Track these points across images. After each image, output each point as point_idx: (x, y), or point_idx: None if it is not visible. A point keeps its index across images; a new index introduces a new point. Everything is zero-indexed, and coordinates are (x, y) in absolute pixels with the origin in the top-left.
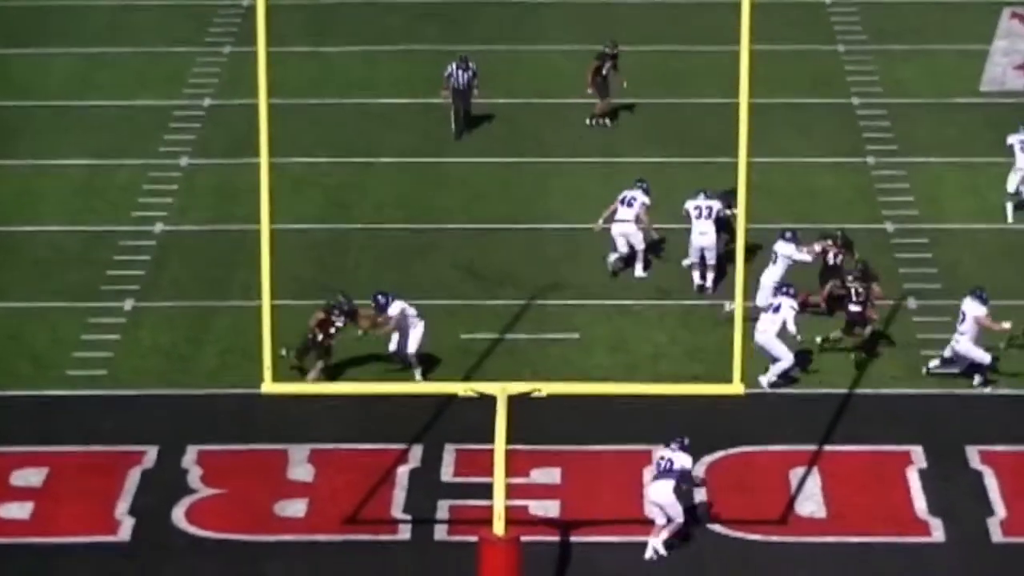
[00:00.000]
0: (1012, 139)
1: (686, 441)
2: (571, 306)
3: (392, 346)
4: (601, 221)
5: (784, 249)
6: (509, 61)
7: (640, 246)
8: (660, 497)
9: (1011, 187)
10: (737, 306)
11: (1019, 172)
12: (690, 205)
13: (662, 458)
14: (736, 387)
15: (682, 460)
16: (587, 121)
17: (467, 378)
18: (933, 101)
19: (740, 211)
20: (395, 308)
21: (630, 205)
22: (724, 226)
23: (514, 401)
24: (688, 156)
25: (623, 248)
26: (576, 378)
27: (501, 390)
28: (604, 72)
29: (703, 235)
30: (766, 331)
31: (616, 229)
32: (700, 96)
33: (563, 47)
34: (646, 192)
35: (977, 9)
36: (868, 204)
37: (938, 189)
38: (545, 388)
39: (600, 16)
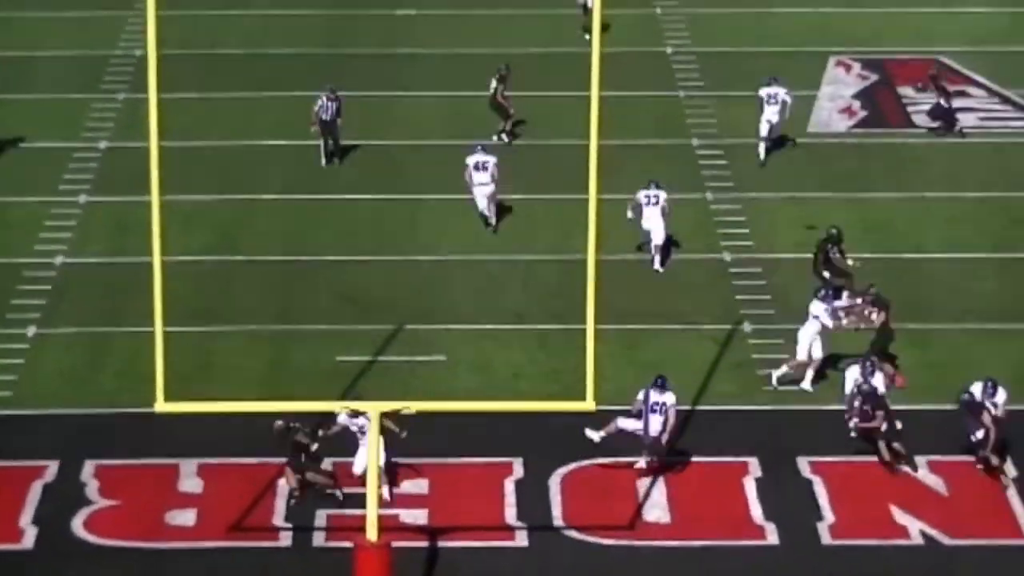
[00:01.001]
0: (762, 92)
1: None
2: (438, 330)
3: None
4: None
5: (815, 308)
6: (380, 106)
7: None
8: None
9: (763, 132)
10: (589, 326)
11: (767, 122)
12: (641, 195)
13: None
14: (588, 404)
15: (668, 397)
16: (496, 138)
17: (343, 397)
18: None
19: (591, 243)
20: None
21: (656, 203)
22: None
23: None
24: (548, 193)
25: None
26: (443, 397)
27: (374, 408)
28: (498, 93)
29: (650, 219)
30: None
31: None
32: (558, 138)
33: (429, 93)
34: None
35: (806, 57)
36: (708, 236)
37: (771, 222)
38: (414, 406)
39: (463, 67)
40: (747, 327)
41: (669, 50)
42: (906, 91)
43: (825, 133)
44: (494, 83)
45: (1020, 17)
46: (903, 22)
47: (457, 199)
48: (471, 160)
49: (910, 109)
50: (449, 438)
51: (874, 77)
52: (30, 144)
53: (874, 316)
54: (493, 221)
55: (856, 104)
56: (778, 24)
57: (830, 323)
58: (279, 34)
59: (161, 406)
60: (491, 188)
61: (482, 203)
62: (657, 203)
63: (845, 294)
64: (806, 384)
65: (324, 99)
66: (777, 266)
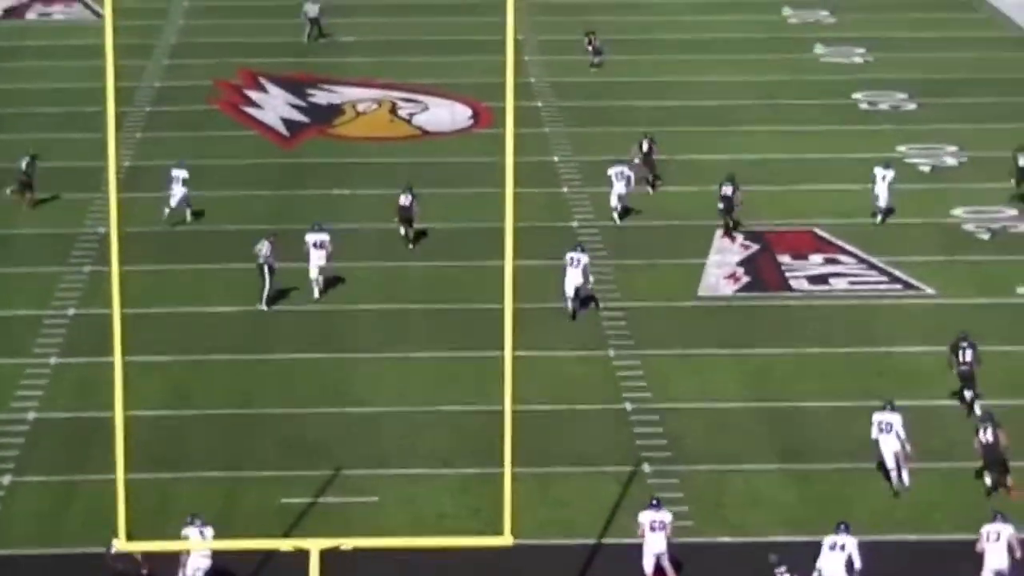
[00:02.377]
0: (610, 171)
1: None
2: (371, 475)
3: None
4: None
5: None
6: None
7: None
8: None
9: (613, 203)
10: (506, 469)
11: (616, 195)
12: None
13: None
14: (506, 539)
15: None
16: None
17: (286, 535)
18: (661, 304)
19: (507, 395)
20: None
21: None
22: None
23: (325, 553)
24: (470, 351)
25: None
26: (375, 534)
27: (314, 545)
28: None
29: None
30: None
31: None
32: (480, 303)
33: (362, 264)
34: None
35: (695, 230)
36: (610, 388)
37: (666, 375)
38: (350, 543)
39: (394, 238)
40: (646, 467)
41: (575, 223)
42: (784, 258)
43: (713, 296)
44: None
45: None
46: (782, 199)
47: (389, 357)
48: (310, 238)
49: (788, 275)
50: (383, 571)
51: (756, 247)
52: (4, 312)
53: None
54: (318, 291)
55: (740, 271)
56: (671, 201)
57: None
58: (227, 211)
59: (123, 545)
60: (324, 263)
61: (314, 272)
62: (578, 265)
63: None
64: None
65: (266, 242)
66: (672, 414)
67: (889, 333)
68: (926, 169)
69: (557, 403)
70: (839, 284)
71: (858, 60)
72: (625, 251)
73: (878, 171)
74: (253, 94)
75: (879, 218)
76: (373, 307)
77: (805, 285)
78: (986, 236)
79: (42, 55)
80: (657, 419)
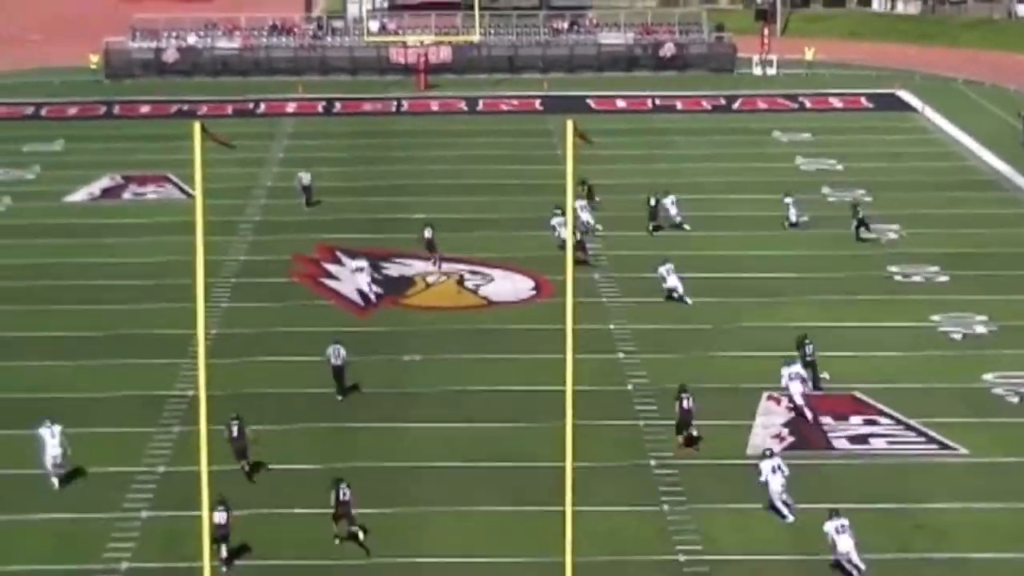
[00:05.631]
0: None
1: None
2: None
3: None
4: None
5: None
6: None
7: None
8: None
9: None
10: None
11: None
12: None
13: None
14: None
15: None
16: None
17: None
18: (712, 462)
19: (567, 556)
20: None
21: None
22: None
23: None
24: (529, 505)
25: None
26: None
27: None
28: None
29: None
30: None
31: None
32: (536, 460)
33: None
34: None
35: (744, 393)
36: (665, 541)
37: (716, 529)
38: None
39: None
40: None
41: (630, 387)
42: (826, 420)
43: (759, 456)
44: None
45: (919, 359)
46: (825, 365)
47: (452, 510)
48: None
49: (830, 435)
50: None
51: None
52: (99, 468)
53: None
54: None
55: (785, 431)
56: (721, 366)
57: None
58: (305, 376)
59: None
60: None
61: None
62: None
63: None
64: None
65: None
66: (722, 565)
67: (925, 489)
68: (957, 337)
69: (613, 555)
70: (878, 444)
71: (892, 235)
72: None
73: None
74: (331, 267)
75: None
76: (436, 464)
77: (846, 444)
78: (1015, 400)
79: (136, 232)
80: (707, 571)
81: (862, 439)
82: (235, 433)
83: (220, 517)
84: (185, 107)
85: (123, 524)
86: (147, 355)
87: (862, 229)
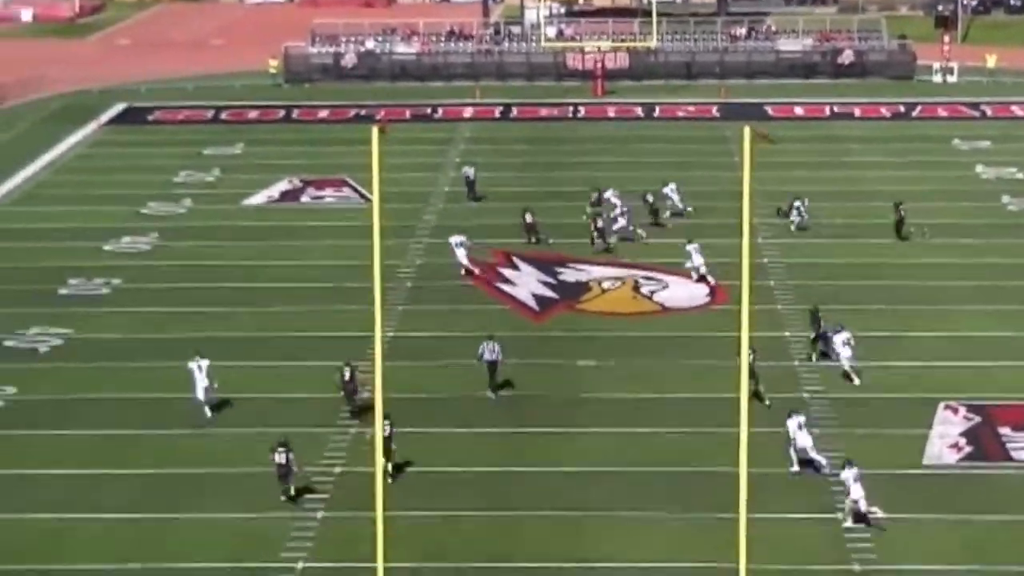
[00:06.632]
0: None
1: None
2: None
3: None
4: None
5: None
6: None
7: None
8: None
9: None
10: None
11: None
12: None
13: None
14: None
15: None
16: None
17: None
18: (888, 472)
19: (741, 563)
20: None
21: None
22: None
23: None
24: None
25: None
26: None
27: None
28: None
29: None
30: None
31: None
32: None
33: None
34: None
35: (920, 402)
36: (841, 550)
37: (892, 539)
38: None
39: None
40: None
41: (805, 395)
42: (1005, 431)
43: (937, 464)
44: None
45: None
46: (1000, 376)
47: (627, 515)
48: None
49: (1009, 446)
50: None
51: (977, 419)
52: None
53: None
54: None
55: (963, 441)
56: (896, 375)
57: None
58: (483, 381)
59: None
60: None
61: None
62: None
63: None
64: None
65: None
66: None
67: None
68: None
69: (787, 563)
70: None
71: None
72: (855, 421)
73: None
74: (507, 272)
75: None
76: (608, 469)
77: None
78: None
79: (314, 235)
80: None
81: None
82: (347, 376)
83: (280, 457)
84: (363, 111)
85: (300, 524)
86: (324, 357)
87: (902, 229)
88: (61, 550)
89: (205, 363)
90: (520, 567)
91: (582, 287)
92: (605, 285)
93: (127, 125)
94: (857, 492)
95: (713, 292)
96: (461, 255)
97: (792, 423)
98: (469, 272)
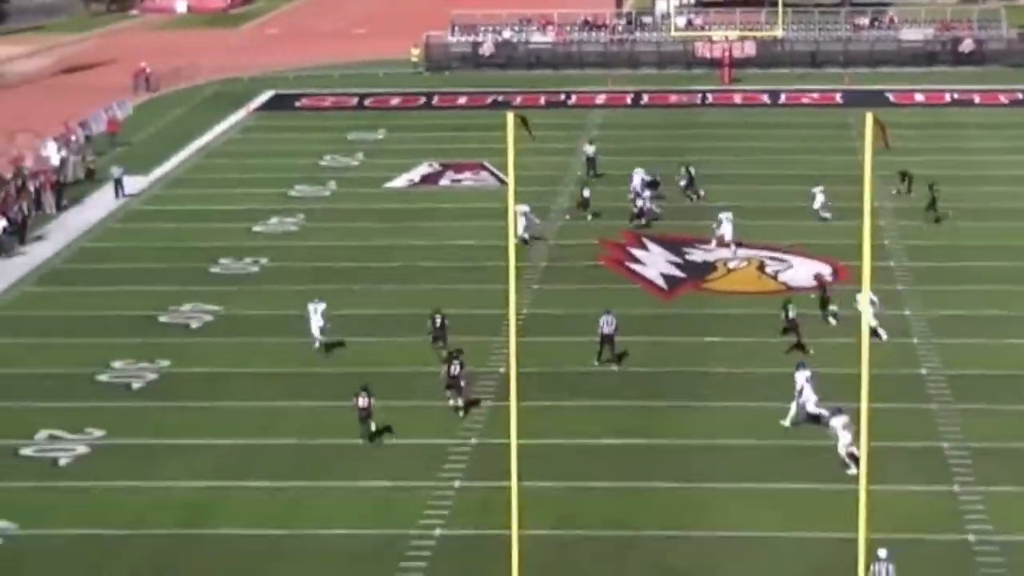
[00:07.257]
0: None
1: None
2: None
3: None
4: None
5: None
6: None
7: None
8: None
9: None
10: None
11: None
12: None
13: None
14: None
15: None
16: None
17: None
18: (1003, 445)
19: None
20: None
21: None
22: None
23: None
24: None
25: None
26: None
27: None
28: None
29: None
30: None
31: None
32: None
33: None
34: None
35: None
36: (957, 520)
37: (1007, 510)
38: None
39: None
40: None
41: (924, 371)
42: None
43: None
44: None
45: None
46: None
47: (750, 487)
48: None
49: None
50: None
51: None
52: (417, 440)
53: None
54: None
55: None
56: (1014, 353)
57: None
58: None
59: None
60: None
61: None
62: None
63: None
64: None
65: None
66: (1014, 547)
67: None
68: None
69: (905, 533)
70: None
71: None
72: (970, 397)
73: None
74: (636, 252)
75: None
76: (731, 442)
77: None
78: None
79: (452, 216)
80: (998, 551)
81: None
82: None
83: (363, 401)
84: (500, 98)
85: (438, 493)
86: (462, 333)
87: (931, 211)
88: (212, 516)
89: (322, 306)
90: (648, 534)
91: (708, 267)
92: (731, 265)
93: (275, 111)
94: (846, 438)
95: (836, 272)
96: (521, 225)
97: (800, 376)
98: (525, 242)
